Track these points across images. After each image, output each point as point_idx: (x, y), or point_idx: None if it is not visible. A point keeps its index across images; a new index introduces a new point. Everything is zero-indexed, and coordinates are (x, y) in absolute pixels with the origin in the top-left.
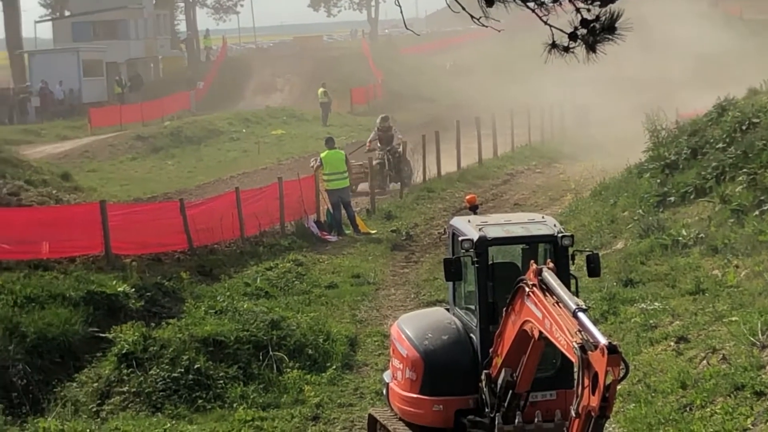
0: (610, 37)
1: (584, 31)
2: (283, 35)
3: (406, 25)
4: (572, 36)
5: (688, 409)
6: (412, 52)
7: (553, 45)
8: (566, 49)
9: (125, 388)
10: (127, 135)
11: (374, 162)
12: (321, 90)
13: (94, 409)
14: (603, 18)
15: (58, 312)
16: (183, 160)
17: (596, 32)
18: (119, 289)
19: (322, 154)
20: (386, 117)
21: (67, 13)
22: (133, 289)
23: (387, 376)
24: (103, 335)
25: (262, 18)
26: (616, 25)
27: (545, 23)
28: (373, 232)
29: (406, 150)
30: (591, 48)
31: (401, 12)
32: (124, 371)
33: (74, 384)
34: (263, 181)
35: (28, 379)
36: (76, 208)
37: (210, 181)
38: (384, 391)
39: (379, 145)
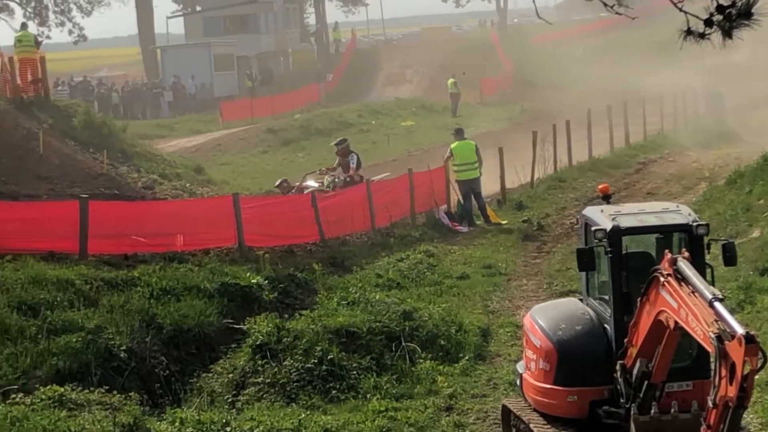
0: (747, 22)
1: (720, 17)
2: (412, 26)
3: (538, 14)
4: (708, 22)
5: None
6: (541, 41)
7: (689, 32)
8: (702, 36)
9: (260, 379)
10: (258, 128)
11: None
12: (451, 81)
13: (230, 400)
14: (739, 3)
15: (193, 304)
16: (313, 153)
17: (732, 18)
18: (253, 280)
19: (453, 145)
20: (341, 140)
21: (198, 9)
22: (267, 281)
23: (520, 366)
24: (238, 326)
25: (390, 9)
26: (753, 10)
27: (680, 10)
28: (504, 222)
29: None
30: (727, 34)
31: (533, 1)
32: (259, 362)
33: (210, 375)
34: (393, 172)
35: (169, 369)
36: (209, 201)
37: None
38: (517, 382)
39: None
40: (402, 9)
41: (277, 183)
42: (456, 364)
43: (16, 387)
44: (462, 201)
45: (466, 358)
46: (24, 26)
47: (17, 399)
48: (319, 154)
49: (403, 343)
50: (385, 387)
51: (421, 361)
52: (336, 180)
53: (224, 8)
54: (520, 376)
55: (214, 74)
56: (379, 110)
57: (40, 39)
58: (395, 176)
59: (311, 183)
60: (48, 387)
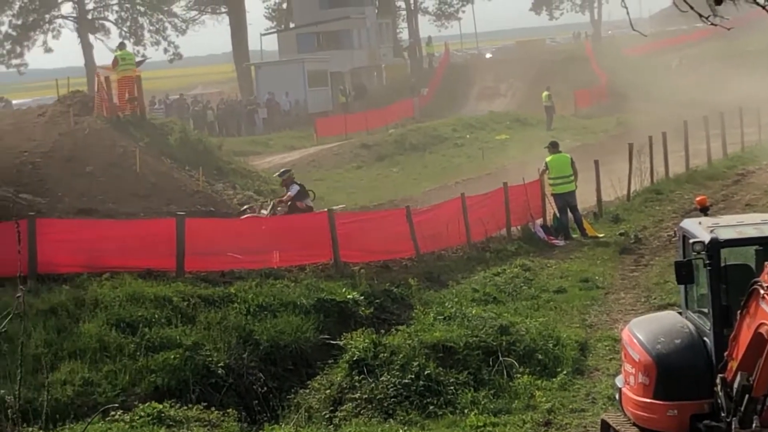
0: None
1: None
2: (506, 40)
3: (632, 26)
4: None
5: None
6: (635, 52)
7: None
8: None
9: (357, 395)
10: (352, 144)
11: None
12: (545, 93)
13: (327, 416)
14: None
15: (289, 320)
16: (407, 168)
17: None
18: (349, 296)
19: (548, 158)
20: (284, 171)
21: (291, 25)
22: (362, 296)
23: (619, 380)
24: (334, 342)
25: (484, 23)
26: None
27: None
28: (601, 235)
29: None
30: None
31: (627, 13)
32: (356, 378)
33: (307, 391)
34: (488, 186)
35: (266, 386)
36: (304, 218)
37: (435, 187)
38: (617, 396)
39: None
40: (495, 23)
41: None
42: (554, 379)
43: (116, 405)
44: (558, 214)
45: (564, 372)
46: (122, 45)
47: (116, 416)
48: (413, 169)
49: (501, 358)
50: (482, 402)
51: (519, 375)
52: (278, 208)
53: (317, 24)
54: (619, 390)
55: (308, 90)
56: (473, 124)
57: (139, 59)
58: (490, 190)
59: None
60: (147, 404)
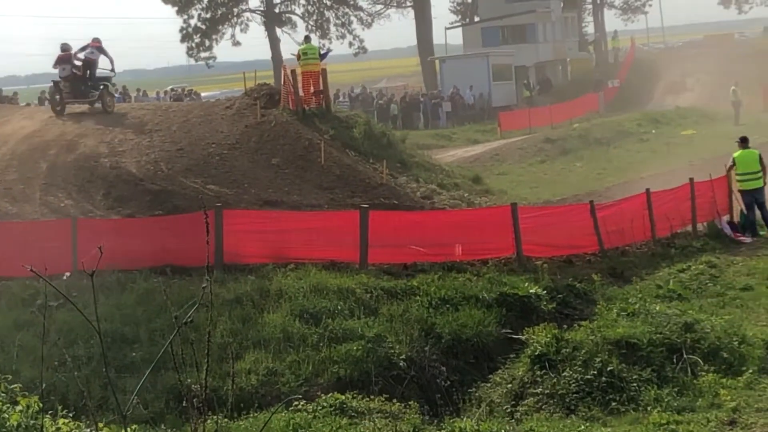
0: None
1: None
2: (693, 34)
3: None
4: None
5: None
6: None
7: None
8: None
9: (539, 390)
10: (536, 138)
11: None
12: (733, 88)
13: (508, 410)
14: None
15: (471, 313)
16: (591, 162)
17: None
18: (531, 290)
19: (735, 154)
20: None
21: (476, 19)
22: (545, 291)
23: None
24: (516, 336)
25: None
26: None
27: None
28: None
29: None
30: None
31: None
32: (537, 373)
33: (489, 385)
34: (673, 182)
35: (448, 379)
36: (487, 211)
37: (619, 182)
38: None
39: None
40: (683, 16)
41: None
42: (739, 378)
43: (299, 396)
44: (745, 211)
45: (750, 371)
46: (307, 39)
47: (299, 406)
48: (597, 164)
49: (685, 355)
50: (666, 399)
51: (703, 373)
52: None
53: (503, 18)
54: None
55: (492, 84)
56: (658, 119)
57: (322, 51)
58: (675, 186)
59: None
60: (329, 395)
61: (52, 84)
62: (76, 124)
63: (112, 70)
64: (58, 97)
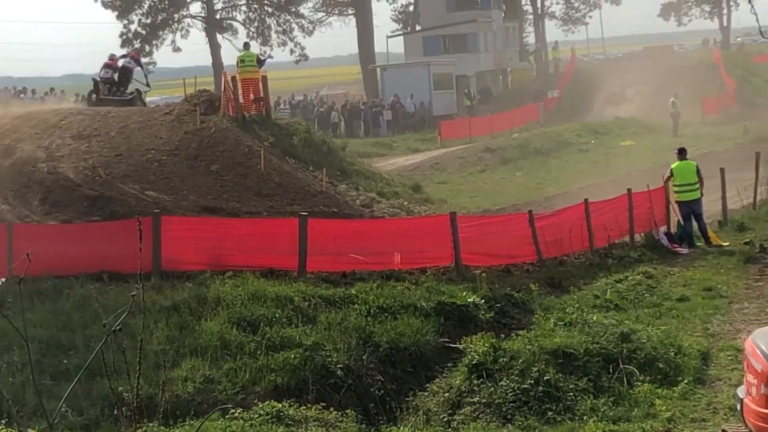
0: None
1: None
2: (633, 45)
3: (762, 33)
4: None
5: None
6: (766, 60)
7: None
8: None
9: (476, 399)
10: (476, 147)
11: None
12: (672, 100)
13: (445, 419)
14: None
15: (409, 322)
16: (531, 172)
17: None
18: (469, 300)
19: (673, 165)
20: None
21: (418, 28)
22: (483, 300)
23: (741, 391)
24: (454, 345)
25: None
26: None
27: None
28: (726, 244)
29: None
30: None
31: (757, 20)
32: (475, 382)
33: (426, 394)
34: (612, 192)
35: (384, 388)
36: (426, 220)
37: (558, 192)
38: (738, 407)
39: None
40: (622, 28)
41: None
42: (675, 388)
43: (235, 403)
44: (682, 222)
45: (686, 381)
46: (246, 46)
47: (236, 414)
48: (537, 174)
49: (621, 366)
50: (602, 409)
51: (639, 383)
52: None
53: (444, 27)
54: (741, 401)
55: (433, 93)
56: (598, 130)
57: (262, 57)
58: (613, 197)
59: None
60: (266, 403)
61: (92, 81)
62: (13, 131)
63: (147, 84)
64: (94, 95)
